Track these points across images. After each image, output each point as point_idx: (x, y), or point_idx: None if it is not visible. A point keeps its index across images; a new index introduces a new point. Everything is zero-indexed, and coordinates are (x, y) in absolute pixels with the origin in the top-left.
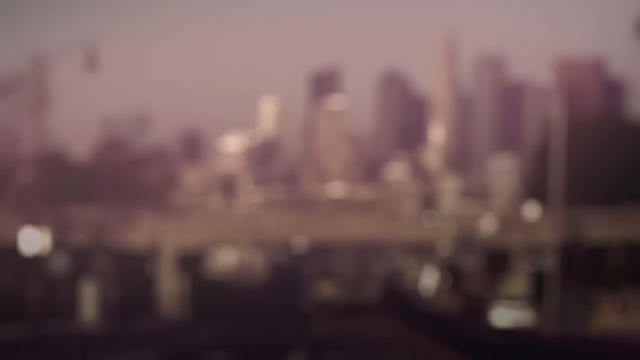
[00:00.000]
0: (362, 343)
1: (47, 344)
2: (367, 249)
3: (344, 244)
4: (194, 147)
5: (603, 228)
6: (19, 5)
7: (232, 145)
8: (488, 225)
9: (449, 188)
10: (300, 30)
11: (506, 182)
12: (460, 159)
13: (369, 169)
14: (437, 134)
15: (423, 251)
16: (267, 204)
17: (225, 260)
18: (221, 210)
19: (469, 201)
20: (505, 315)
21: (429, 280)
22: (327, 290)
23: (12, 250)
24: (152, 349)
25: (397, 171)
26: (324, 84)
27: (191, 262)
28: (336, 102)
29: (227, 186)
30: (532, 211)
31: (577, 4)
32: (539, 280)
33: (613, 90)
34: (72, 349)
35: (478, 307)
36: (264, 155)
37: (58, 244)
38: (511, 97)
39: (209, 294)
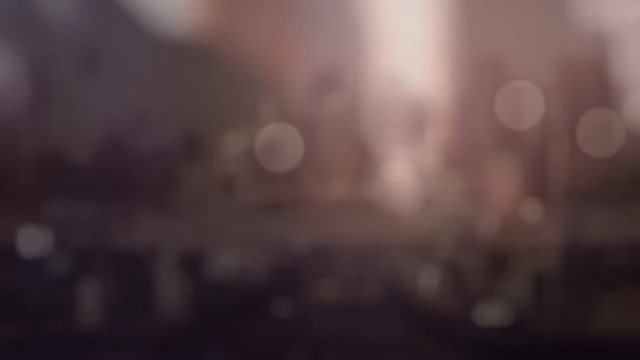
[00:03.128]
0: (362, 343)
1: (47, 344)
2: (367, 249)
3: (344, 244)
4: (193, 147)
5: (603, 228)
6: (19, 5)
7: (232, 145)
8: (488, 225)
9: (449, 188)
10: (301, 30)
11: (506, 182)
12: (460, 159)
13: (369, 169)
14: (437, 133)
15: (423, 251)
16: (267, 204)
17: (225, 260)
18: (221, 210)
19: (469, 201)
20: (488, 314)
21: (429, 280)
22: (327, 290)
23: (11, 250)
24: (152, 349)
25: (397, 171)
26: (324, 83)
27: (191, 262)
28: (336, 102)
29: (227, 186)
30: (532, 211)
31: (577, 4)
32: (539, 281)
33: (613, 91)
34: (72, 349)
35: (477, 307)
36: (264, 155)
37: (58, 244)
38: (511, 97)
39: (209, 294)
